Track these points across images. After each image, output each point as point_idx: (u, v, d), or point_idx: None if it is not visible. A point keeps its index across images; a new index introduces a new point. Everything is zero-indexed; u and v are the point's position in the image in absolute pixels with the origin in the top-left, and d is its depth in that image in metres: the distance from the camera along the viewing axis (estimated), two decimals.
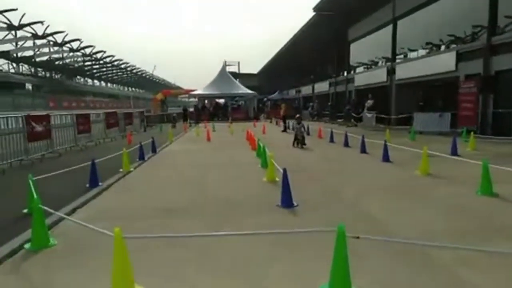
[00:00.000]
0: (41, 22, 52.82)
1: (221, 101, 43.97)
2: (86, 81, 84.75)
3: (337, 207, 5.72)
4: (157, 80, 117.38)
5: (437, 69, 18.82)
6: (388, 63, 24.49)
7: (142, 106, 52.89)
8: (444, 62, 18.34)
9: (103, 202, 6.36)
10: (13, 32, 51.39)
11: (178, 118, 37.48)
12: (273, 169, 7.54)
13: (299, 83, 47.12)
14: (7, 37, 51.47)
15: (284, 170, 5.86)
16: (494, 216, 5.05)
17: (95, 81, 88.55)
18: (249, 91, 39.24)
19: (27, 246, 4.17)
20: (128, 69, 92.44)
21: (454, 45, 18.89)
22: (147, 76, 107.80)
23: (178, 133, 21.25)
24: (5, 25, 49.00)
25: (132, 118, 22.39)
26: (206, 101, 40.36)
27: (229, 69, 44.66)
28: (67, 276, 3.50)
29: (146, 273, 3.44)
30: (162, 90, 51.90)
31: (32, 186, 5.29)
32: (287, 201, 5.71)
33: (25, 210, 5.57)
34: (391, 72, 23.50)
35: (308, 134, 18.13)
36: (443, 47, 20.18)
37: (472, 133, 12.40)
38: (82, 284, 3.35)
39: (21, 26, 50.85)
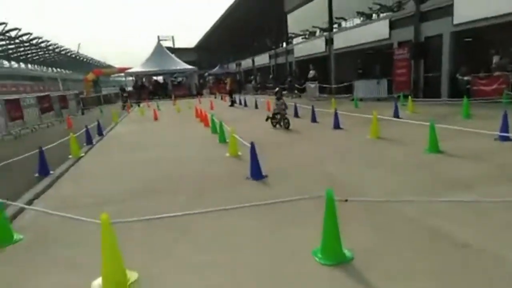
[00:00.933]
0: None
1: (160, 78, 42.32)
2: (2, 63, 76.30)
3: (304, 174, 5.93)
4: (85, 60, 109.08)
5: (372, 37, 19.73)
6: (326, 33, 25.13)
7: (71, 88, 49.20)
8: (379, 30, 19.25)
9: (60, 191, 5.97)
10: None
11: (117, 99, 35.60)
12: (236, 144, 7.57)
13: (239, 57, 46.73)
14: None
15: (252, 144, 5.91)
16: (445, 171, 5.59)
17: (13, 62, 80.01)
18: (189, 66, 38.10)
19: None
20: (50, 48, 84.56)
21: (383, 14, 19.86)
22: (73, 55, 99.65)
23: (121, 114, 20.24)
24: None
25: (67, 101, 20.80)
26: (144, 80, 38.54)
27: (163, 44, 42.73)
28: (46, 274, 3.29)
29: (135, 257, 3.35)
30: (94, 70, 48.56)
31: None
32: (256, 173, 5.80)
33: None
34: (329, 42, 24.18)
35: (256, 107, 18.30)
36: (374, 16, 21.16)
37: (409, 97, 13.37)
38: (65, 279, 3.18)
39: None
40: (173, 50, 46.92)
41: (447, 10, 14.89)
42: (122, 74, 44.31)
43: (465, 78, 14.27)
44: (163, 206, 4.76)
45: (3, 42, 68.92)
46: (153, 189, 5.66)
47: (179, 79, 41.66)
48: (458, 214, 3.83)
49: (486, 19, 13.39)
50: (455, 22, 14.63)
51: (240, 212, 4.06)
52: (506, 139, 6.93)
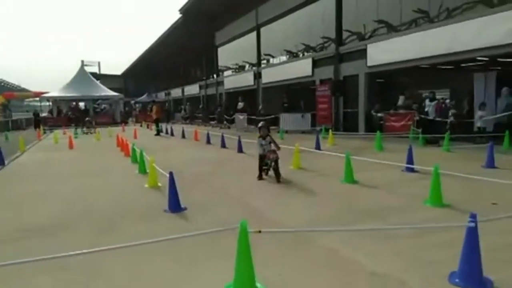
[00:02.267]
0: None
1: (81, 104, 39.85)
2: None
3: (224, 206, 5.77)
4: None
5: (297, 74, 20.87)
6: (254, 68, 26.02)
7: None
8: (303, 67, 20.45)
9: None
10: None
11: (28, 125, 32.59)
12: (155, 174, 7.20)
13: (169, 86, 46.17)
14: None
15: (171, 173, 5.64)
16: (358, 200, 5.84)
17: None
18: (114, 93, 36.54)
19: None
20: None
21: (308, 53, 21.25)
22: None
23: (31, 141, 18.43)
24: None
25: None
26: (61, 106, 35.88)
27: (88, 69, 40.68)
28: None
29: None
30: (4, 93, 44.26)
31: None
32: (174, 205, 5.51)
33: None
34: (257, 76, 25.04)
35: (183, 137, 17.94)
36: (300, 54, 22.53)
37: (330, 130, 14.17)
38: None
39: None
40: (99, 76, 44.81)
41: (362, 53, 16.36)
42: (37, 98, 40.97)
43: (379, 114, 15.58)
44: (69, 244, 4.21)
45: None
46: (58, 225, 5.04)
47: (103, 106, 39.64)
48: (367, 242, 3.95)
49: (394, 63, 14.94)
50: (368, 64, 16.08)
51: (155, 247, 3.76)
52: (411, 170, 7.57)
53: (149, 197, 6.46)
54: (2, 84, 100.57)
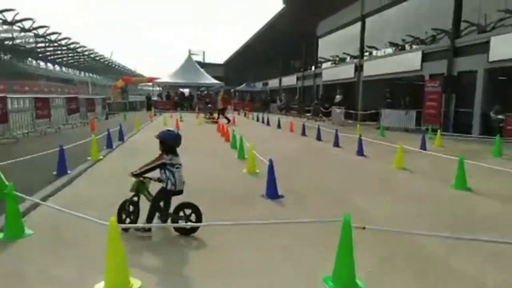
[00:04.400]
0: None
1: (186, 91, 42.95)
2: (39, 63, 79.62)
3: (321, 197, 5.71)
4: (116, 66, 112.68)
5: (403, 68, 19.46)
6: (356, 60, 25.02)
7: (100, 93, 50.56)
8: (410, 61, 18.98)
9: (75, 191, 5.94)
10: None
11: (141, 107, 36.26)
12: (254, 160, 7.42)
13: (267, 76, 47.13)
14: None
15: (270, 160, 5.76)
16: (469, 209, 5.25)
17: (49, 64, 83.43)
18: (216, 81, 38.63)
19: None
20: (85, 53, 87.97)
21: (416, 46, 19.64)
22: (105, 62, 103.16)
23: (144, 122, 20.52)
24: None
25: (94, 105, 21.31)
26: (169, 91, 39.18)
27: (194, 58, 43.61)
28: (49, 271, 3.18)
29: (142, 264, 3.21)
30: (123, 77, 49.90)
31: None
32: (272, 192, 5.61)
33: None
34: (359, 68, 24.03)
35: (279, 127, 18.19)
36: (407, 47, 20.98)
37: (438, 131, 12.97)
38: (68, 278, 3.06)
39: None
40: (203, 64, 47.81)
41: (483, 47, 14.54)
42: (150, 83, 45.26)
43: (499, 116, 13.76)
44: None
45: (43, 45, 72.17)
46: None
47: (205, 93, 42.18)
48: (474, 253, 3.52)
49: None
50: (490, 59, 14.24)
51: (253, 230, 3.90)
52: None
53: (247, 182, 6.69)
54: (121, 69, 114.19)
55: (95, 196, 5.54)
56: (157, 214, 3.96)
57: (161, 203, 4.00)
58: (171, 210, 4.05)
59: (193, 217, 3.94)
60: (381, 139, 12.71)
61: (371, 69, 22.75)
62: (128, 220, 4.00)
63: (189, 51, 43.28)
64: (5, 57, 64.61)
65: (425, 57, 18.13)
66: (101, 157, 8.84)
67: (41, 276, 3.09)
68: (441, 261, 3.48)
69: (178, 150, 4.12)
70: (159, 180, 4.00)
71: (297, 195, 5.73)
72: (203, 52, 57.56)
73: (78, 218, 3.96)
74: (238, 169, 7.71)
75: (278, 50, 41.41)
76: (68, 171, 6.92)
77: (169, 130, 4.33)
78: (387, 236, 3.92)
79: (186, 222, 3.91)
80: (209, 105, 25.85)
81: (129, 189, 4.09)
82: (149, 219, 3.87)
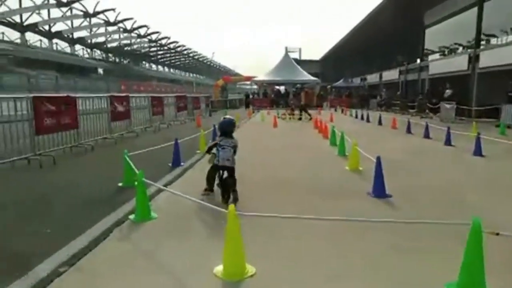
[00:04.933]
0: (113, 10, 55.84)
1: (282, 88, 43.54)
2: (151, 66, 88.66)
3: (434, 199, 5.26)
4: (217, 66, 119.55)
5: None
6: (470, 50, 22.46)
7: (202, 92, 54.26)
8: None
9: (189, 180, 6.47)
10: (87, 19, 54.92)
11: (240, 105, 37.83)
12: (357, 157, 7.19)
13: (365, 71, 45.23)
14: (82, 24, 55.24)
15: (378, 158, 5.50)
16: None
17: (159, 66, 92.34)
18: (312, 78, 38.38)
19: (131, 217, 4.31)
20: (190, 54, 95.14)
21: None
22: (207, 62, 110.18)
23: (243, 118, 21.39)
24: (81, 13, 52.53)
25: (199, 103, 22.97)
26: (266, 88, 40.14)
27: (290, 55, 43.94)
28: (173, 253, 3.52)
29: (256, 253, 3.34)
30: (223, 77, 52.70)
31: (129, 161, 5.48)
32: (379, 190, 5.36)
33: (120, 184, 5.82)
34: (473, 59, 21.53)
35: (380, 123, 17.34)
36: None
37: None
38: (189, 259, 3.34)
39: (95, 14, 54.16)
40: (299, 61, 47.93)
41: None
42: (248, 82, 46.99)
43: None
44: (287, 207, 4.73)
45: (154, 49, 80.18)
46: (277, 189, 5.71)
47: (300, 89, 42.22)
48: None
49: None
50: None
51: (363, 228, 3.78)
52: None
53: (351, 179, 6.52)
54: (221, 69, 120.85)
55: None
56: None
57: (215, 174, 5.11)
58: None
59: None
60: (503, 138, 11.22)
61: (489, 59, 20.16)
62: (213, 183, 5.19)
63: (286, 48, 43.79)
64: (125, 61, 73.54)
65: None
66: None
67: (166, 256, 3.43)
68: None
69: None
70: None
71: (407, 195, 5.39)
72: (300, 49, 57.70)
73: (195, 204, 4.34)
74: (340, 166, 7.55)
75: (378, 44, 39.40)
76: (182, 163, 7.57)
77: (224, 118, 5.45)
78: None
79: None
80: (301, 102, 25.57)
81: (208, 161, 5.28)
82: (207, 183, 5.22)
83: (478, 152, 8.80)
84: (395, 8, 28.50)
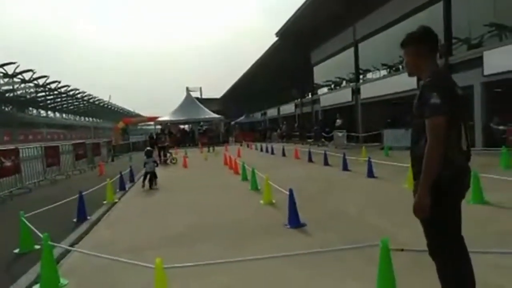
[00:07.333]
0: None
1: (186, 127, 43.44)
2: (39, 112, 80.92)
3: (343, 223, 5.75)
4: (115, 109, 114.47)
5: (400, 88, 19.82)
6: (352, 84, 25.56)
7: (101, 136, 51.10)
8: (406, 81, 19.36)
9: (99, 236, 5.99)
10: None
11: (145, 146, 36.40)
12: (270, 191, 7.51)
13: (265, 106, 47.84)
14: None
15: (290, 190, 5.84)
16: (493, 223, 5.30)
17: (49, 112, 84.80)
18: (216, 115, 39.19)
19: (36, 287, 3.81)
20: (85, 98, 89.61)
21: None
22: (104, 105, 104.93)
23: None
24: None
25: (99, 149, 21.54)
26: (170, 128, 39.60)
27: (192, 94, 44.38)
28: None
29: None
30: (123, 119, 50.57)
31: (27, 223, 4.89)
32: (294, 221, 5.68)
33: (16, 251, 5.12)
34: (356, 92, 24.52)
35: (284, 155, 18.35)
36: (401, 68, 21.49)
37: None
38: None
39: None
40: (201, 100, 48.60)
41: (477, 62, 14.98)
42: (150, 123, 45.85)
43: (500, 127, 13.96)
44: (203, 254, 4.65)
45: (43, 94, 73.64)
46: (190, 236, 5.59)
47: (205, 127, 42.69)
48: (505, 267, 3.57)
49: None
50: (485, 73, 14.63)
51: (282, 262, 3.94)
52: None
53: (266, 213, 6.76)
54: (121, 111, 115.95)
55: (117, 240, 5.60)
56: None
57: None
58: None
59: None
60: (387, 159, 12.82)
61: (368, 91, 23.21)
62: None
63: (187, 88, 44.21)
64: (7, 108, 65.74)
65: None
66: (116, 199, 8.92)
67: None
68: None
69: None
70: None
71: (319, 222, 5.79)
72: (200, 88, 58.59)
73: (106, 264, 4.03)
74: (254, 200, 7.78)
75: (275, 80, 42.32)
76: (88, 217, 6.99)
77: (147, 148, 11.73)
78: (423, 257, 3.95)
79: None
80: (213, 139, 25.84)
81: None
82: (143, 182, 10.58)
83: (370, 174, 9.93)
84: (285, 48, 31.26)
